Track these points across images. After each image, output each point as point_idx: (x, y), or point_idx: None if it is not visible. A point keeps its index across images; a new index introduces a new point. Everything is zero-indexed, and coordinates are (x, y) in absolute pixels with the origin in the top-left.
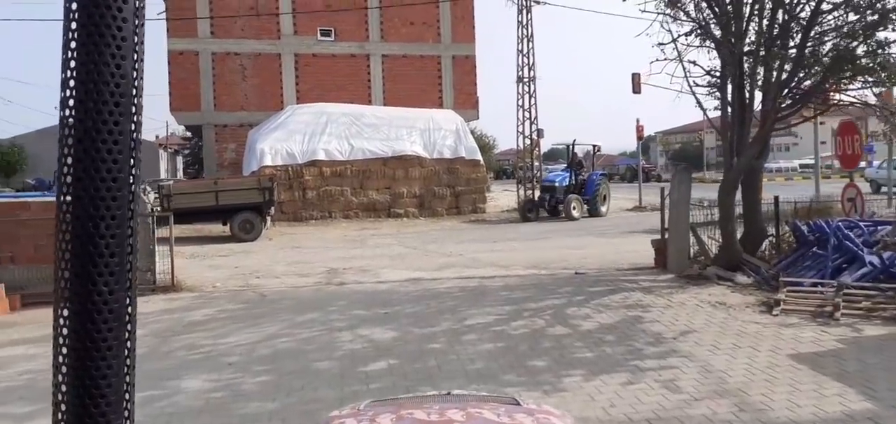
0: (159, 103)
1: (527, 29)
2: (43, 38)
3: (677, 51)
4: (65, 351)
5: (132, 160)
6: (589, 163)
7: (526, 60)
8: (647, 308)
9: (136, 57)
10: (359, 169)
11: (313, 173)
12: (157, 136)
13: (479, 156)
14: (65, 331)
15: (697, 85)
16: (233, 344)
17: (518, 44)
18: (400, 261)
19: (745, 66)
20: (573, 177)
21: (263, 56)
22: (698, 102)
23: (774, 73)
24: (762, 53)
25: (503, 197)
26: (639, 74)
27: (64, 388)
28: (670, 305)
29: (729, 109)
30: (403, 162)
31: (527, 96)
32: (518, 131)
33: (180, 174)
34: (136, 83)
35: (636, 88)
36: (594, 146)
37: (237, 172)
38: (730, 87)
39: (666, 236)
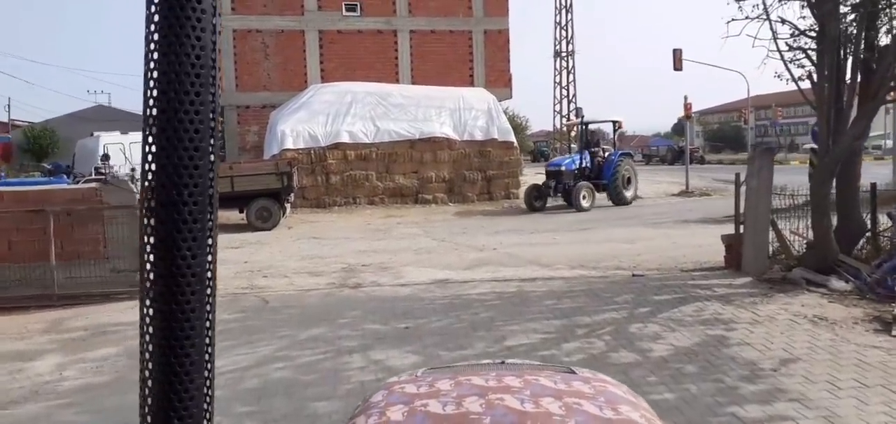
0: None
1: None
2: (63, 20)
3: (763, 5)
4: (150, 344)
5: (211, 156)
6: (611, 143)
7: (564, 33)
8: (730, 324)
9: (213, 50)
10: (385, 152)
11: (337, 157)
12: None
13: (512, 138)
14: (150, 327)
15: (790, 47)
16: (216, 372)
17: (555, 15)
18: (426, 257)
19: (850, 25)
20: (586, 160)
21: (286, 33)
22: (788, 70)
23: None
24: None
25: (538, 179)
26: (680, 50)
27: (150, 383)
28: (757, 320)
29: (826, 78)
30: (432, 144)
31: (564, 72)
32: (555, 110)
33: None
34: (214, 80)
35: (678, 65)
36: (614, 123)
37: (260, 156)
38: (828, 53)
39: (740, 231)
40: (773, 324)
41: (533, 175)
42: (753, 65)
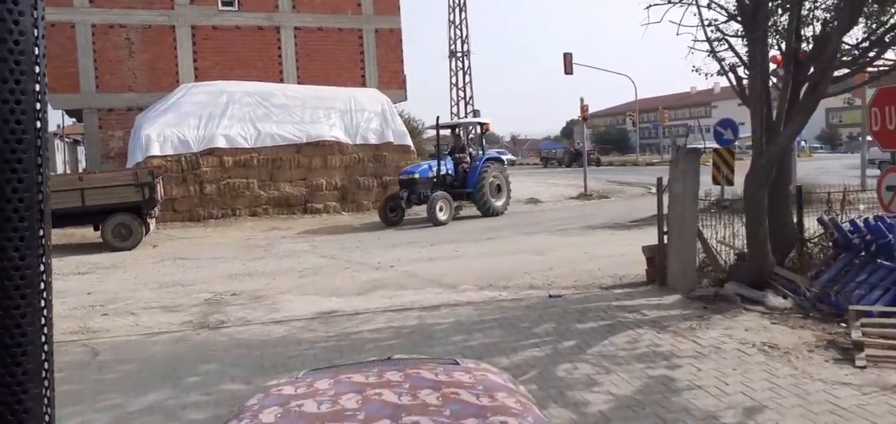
0: None
1: None
2: None
3: None
4: None
5: (40, 172)
6: (477, 146)
7: (458, 32)
8: (672, 359)
9: (38, 37)
10: (267, 157)
11: (212, 163)
12: (58, 126)
13: (409, 141)
14: None
15: (721, 34)
16: None
17: (450, 13)
18: (311, 281)
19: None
20: (448, 167)
21: (155, 28)
22: (716, 58)
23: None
24: None
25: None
26: (570, 54)
27: None
28: (702, 352)
29: (757, 70)
30: (321, 148)
31: (460, 73)
32: (451, 113)
33: (83, 167)
34: (38, 71)
35: (568, 68)
36: (482, 125)
37: (126, 164)
38: (760, 43)
39: (664, 241)
40: (720, 357)
41: None
42: (642, 70)
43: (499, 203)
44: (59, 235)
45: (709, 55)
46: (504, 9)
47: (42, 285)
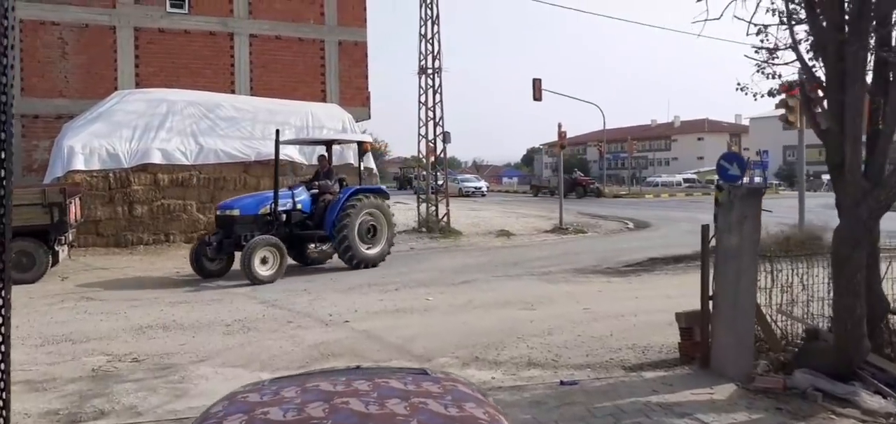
0: None
1: (432, 8)
2: None
3: None
4: None
5: (1, 153)
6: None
7: (430, 47)
8: None
9: (4, 35)
10: (210, 176)
11: (144, 181)
12: None
13: (371, 163)
14: None
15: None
16: None
17: (421, 25)
18: (240, 341)
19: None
20: (293, 200)
21: (92, 28)
22: (804, 65)
23: None
24: None
25: (398, 212)
26: (540, 80)
27: None
28: None
29: (840, 87)
30: (271, 168)
31: (430, 91)
32: (420, 134)
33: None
34: (4, 69)
35: (537, 94)
36: (360, 144)
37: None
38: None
39: (709, 307)
40: None
41: (396, 207)
42: (609, 98)
43: (372, 250)
44: None
45: (758, 71)
46: (466, 27)
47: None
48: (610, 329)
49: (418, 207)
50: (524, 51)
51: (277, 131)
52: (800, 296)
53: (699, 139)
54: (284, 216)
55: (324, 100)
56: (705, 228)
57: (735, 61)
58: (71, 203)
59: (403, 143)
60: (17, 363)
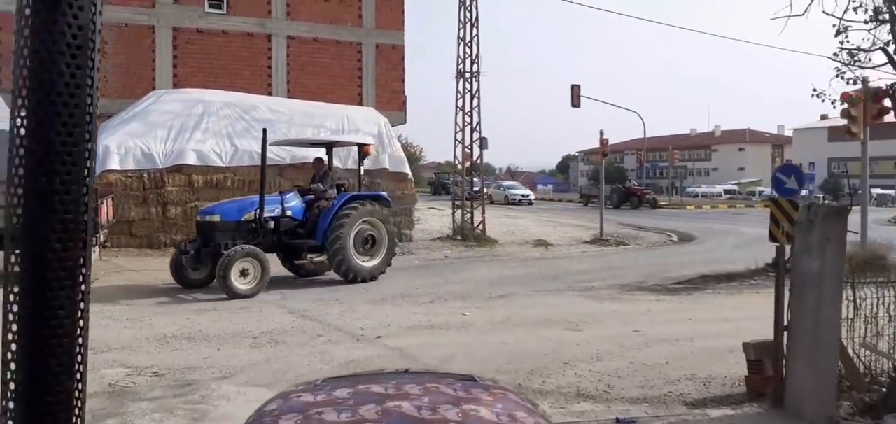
0: None
1: (471, 11)
2: None
3: None
4: (14, 343)
5: (88, 144)
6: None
7: (469, 51)
8: None
9: (94, 32)
10: (244, 178)
11: (179, 182)
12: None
13: (406, 168)
14: (14, 324)
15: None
16: None
17: (459, 28)
18: (266, 355)
19: None
20: (282, 206)
21: (132, 27)
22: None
23: None
24: None
25: (433, 218)
26: (578, 86)
27: (13, 386)
28: None
29: None
30: (307, 171)
31: (468, 95)
32: (456, 139)
33: None
34: (93, 64)
35: (576, 101)
36: (360, 146)
37: None
38: None
39: (784, 338)
40: None
41: (426, 208)
42: (648, 106)
43: (370, 263)
44: None
45: (838, 76)
46: (502, 31)
47: (81, 278)
48: (665, 355)
49: (453, 214)
50: (559, 57)
51: (264, 131)
52: (886, 328)
53: (740, 149)
54: (272, 223)
55: (360, 103)
56: (780, 250)
57: (781, 70)
58: (102, 203)
59: (438, 148)
60: None
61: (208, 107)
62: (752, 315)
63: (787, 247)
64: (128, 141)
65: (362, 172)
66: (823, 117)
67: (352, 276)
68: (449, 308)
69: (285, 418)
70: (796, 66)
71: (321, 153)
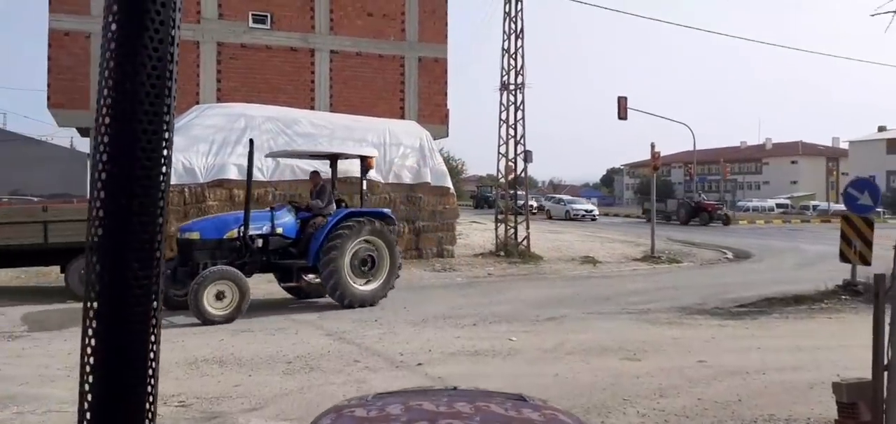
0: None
1: (516, 22)
2: None
3: None
4: (92, 357)
5: (163, 168)
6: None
7: (513, 62)
8: None
9: (172, 62)
10: (285, 192)
11: (220, 196)
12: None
13: (448, 182)
14: (93, 339)
15: None
16: None
17: (504, 40)
18: (300, 383)
19: None
20: (271, 223)
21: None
22: None
23: None
24: None
25: (474, 233)
26: (625, 98)
27: (90, 397)
28: None
29: None
30: (349, 186)
31: (512, 107)
32: (499, 152)
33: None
34: (170, 92)
35: (622, 113)
36: (363, 159)
37: None
38: None
39: (884, 379)
40: None
41: (468, 223)
42: (696, 119)
43: (367, 287)
44: (9, 276)
45: None
46: (546, 45)
47: (154, 296)
48: (736, 391)
49: (496, 229)
50: (603, 68)
51: (251, 141)
52: None
53: (793, 162)
54: (260, 242)
55: (402, 116)
56: (880, 278)
57: (833, 80)
58: None
59: (481, 161)
60: (56, 400)
61: (250, 122)
62: (829, 343)
63: (887, 272)
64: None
65: (365, 187)
66: (881, 129)
67: (347, 301)
68: (494, 332)
69: None
70: (857, 76)
71: (324, 166)
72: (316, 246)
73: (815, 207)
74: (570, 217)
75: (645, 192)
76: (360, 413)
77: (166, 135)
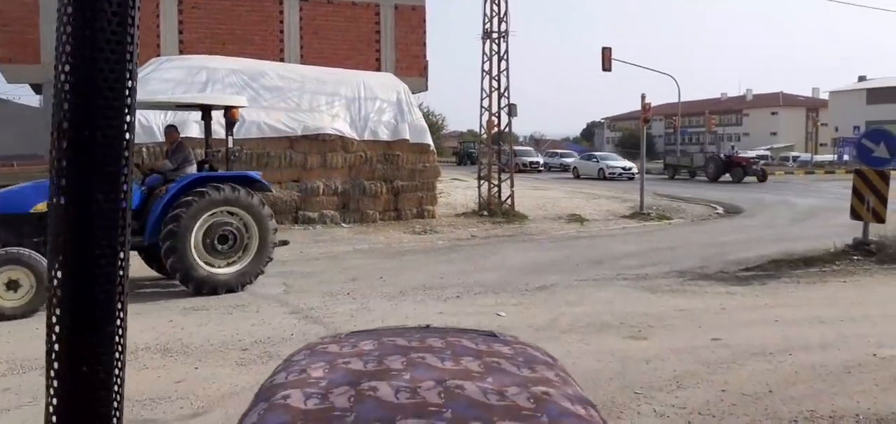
0: None
1: None
2: None
3: None
4: (57, 346)
5: (127, 134)
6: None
7: (496, 8)
8: None
9: (133, 7)
10: (252, 152)
11: None
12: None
13: (428, 139)
14: (57, 329)
15: None
16: None
17: None
18: (254, 376)
19: None
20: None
21: None
22: None
23: None
24: None
25: (456, 191)
26: (610, 49)
27: (55, 384)
28: None
29: None
30: (320, 143)
31: (495, 58)
32: (482, 106)
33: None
34: (130, 74)
35: (606, 65)
36: (227, 110)
37: None
38: None
39: None
40: None
41: (449, 180)
42: (680, 71)
43: (228, 270)
44: None
45: None
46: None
47: (120, 266)
48: (763, 377)
49: (479, 187)
50: (582, 20)
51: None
52: None
53: (773, 113)
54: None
55: (378, 68)
56: None
57: (814, 31)
58: None
59: (462, 116)
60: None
61: (212, 75)
62: (852, 314)
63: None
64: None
65: (231, 144)
66: (862, 78)
67: (195, 287)
68: (480, 305)
69: (314, 366)
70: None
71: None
72: (153, 219)
73: (794, 158)
74: (604, 176)
75: (626, 146)
76: (334, 349)
77: (130, 84)
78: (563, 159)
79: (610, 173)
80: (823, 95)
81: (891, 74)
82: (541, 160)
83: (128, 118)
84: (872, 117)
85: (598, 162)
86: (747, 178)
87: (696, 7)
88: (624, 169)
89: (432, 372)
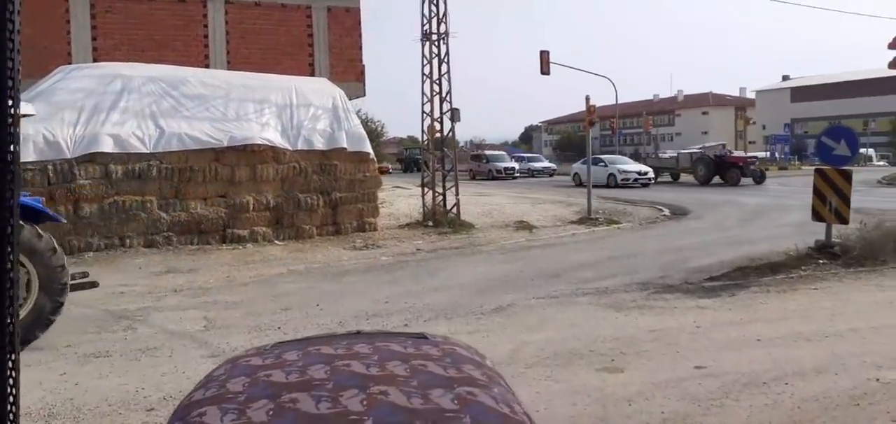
0: None
1: None
2: None
3: None
4: None
5: (11, 127)
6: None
7: (434, 8)
8: None
9: (11, 45)
10: (173, 166)
11: (93, 174)
12: None
13: (367, 147)
14: None
15: None
16: None
17: None
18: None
19: None
20: None
21: None
22: None
23: None
24: None
25: (399, 199)
26: (548, 52)
27: None
28: None
29: None
30: (249, 155)
31: (436, 60)
32: (423, 111)
33: None
34: (12, 80)
35: (545, 68)
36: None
37: None
38: None
39: None
40: None
41: (391, 188)
42: (621, 72)
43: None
44: None
45: None
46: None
47: (9, 265)
48: (765, 416)
49: (423, 196)
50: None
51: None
52: None
53: (704, 113)
54: None
55: (312, 74)
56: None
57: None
58: None
59: (402, 122)
60: None
61: (127, 83)
62: (836, 327)
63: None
64: (26, 126)
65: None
66: (785, 77)
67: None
68: (430, 333)
69: (234, 381)
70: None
71: None
72: None
73: None
74: (618, 183)
75: (564, 148)
76: (256, 362)
77: (11, 94)
78: (531, 164)
79: (622, 179)
80: (750, 94)
81: (812, 73)
82: (516, 166)
83: (11, 130)
84: (797, 114)
85: (606, 166)
86: (744, 180)
87: (625, 11)
88: (639, 174)
89: (356, 379)
